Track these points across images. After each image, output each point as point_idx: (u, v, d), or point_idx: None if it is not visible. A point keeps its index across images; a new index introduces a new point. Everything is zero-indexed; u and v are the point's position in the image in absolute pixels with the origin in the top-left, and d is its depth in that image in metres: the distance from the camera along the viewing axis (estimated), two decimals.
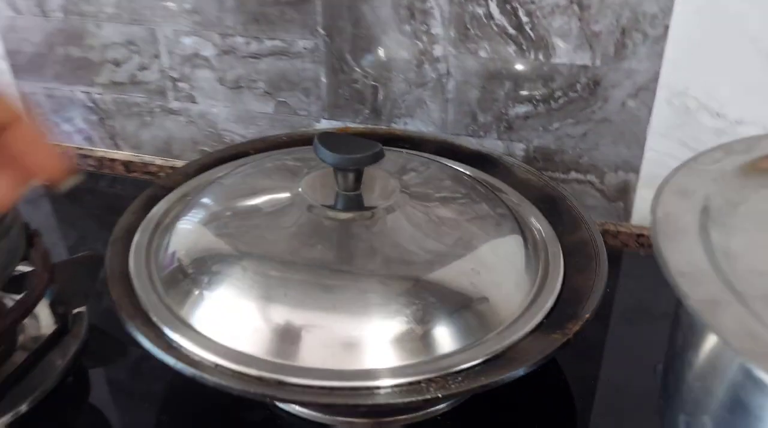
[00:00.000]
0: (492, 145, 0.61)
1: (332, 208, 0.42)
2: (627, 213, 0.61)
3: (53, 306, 0.47)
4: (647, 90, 0.55)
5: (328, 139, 0.42)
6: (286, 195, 0.44)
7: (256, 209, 0.44)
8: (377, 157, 0.40)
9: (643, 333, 0.50)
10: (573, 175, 0.61)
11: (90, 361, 0.48)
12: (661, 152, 0.57)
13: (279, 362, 0.35)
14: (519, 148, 0.61)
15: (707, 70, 0.53)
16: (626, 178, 0.60)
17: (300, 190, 0.44)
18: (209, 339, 0.37)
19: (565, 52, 0.55)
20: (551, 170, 0.61)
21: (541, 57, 0.56)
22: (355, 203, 0.43)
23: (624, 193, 0.60)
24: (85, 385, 0.47)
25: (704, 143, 0.56)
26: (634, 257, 0.61)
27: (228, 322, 0.38)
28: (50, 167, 0.24)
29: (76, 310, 0.48)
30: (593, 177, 0.60)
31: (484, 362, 0.35)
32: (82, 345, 0.47)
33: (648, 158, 0.58)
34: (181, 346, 0.36)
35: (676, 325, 0.30)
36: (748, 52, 0.51)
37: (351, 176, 0.42)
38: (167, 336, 0.37)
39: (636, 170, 0.59)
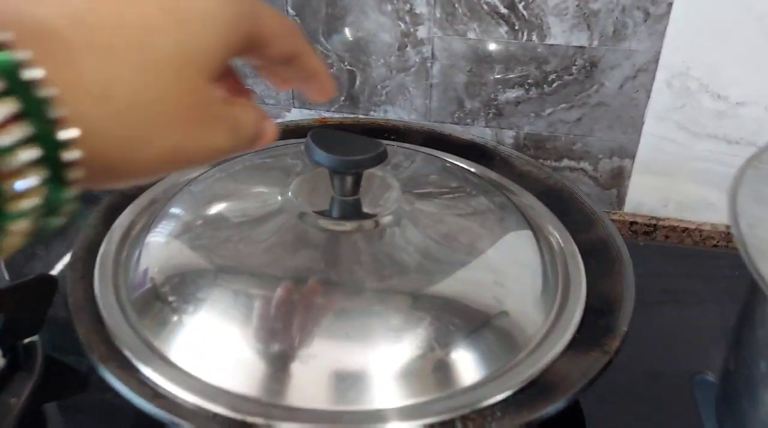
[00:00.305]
0: (479, 132, 0.57)
1: (327, 215, 0.37)
2: (620, 200, 0.59)
3: (1, 338, 0.41)
4: (646, 71, 0.52)
5: (323, 137, 0.37)
6: (272, 201, 0.39)
7: (237, 218, 0.39)
8: (380, 159, 0.35)
9: (641, 323, 0.47)
10: (565, 162, 0.57)
11: (47, 396, 0.42)
12: (658, 136, 0.55)
13: (286, 405, 0.30)
14: (508, 136, 0.57)
15: (710, 50, 0.50)
16: (621, 164, 0.56)
17: (290, 194, 0.38)
18: (197, 380, 0.32)
19: (560, 33, 0.51)
20: (542, 158, 0.57)
21: (534, 38, 0.52)
22: (354, 210, 0.38)
23: (618, 180, 0.57)
24: (43, 424, 0.41)
25: (704, 126, 0.53)
26: (628, 246, 0.58)
27: (214, 356, 0.33)
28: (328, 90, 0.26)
29: (27, 340, 0.42)
30: (586, 164, 0.57)
31: (519, 391, 0.31)
32: (37, 381, 0.41)
33: (644, 143, 0.55)
34: (168, 392, 0.30)
35: (753, 349, 0.27)
36: (753, 30, 0.48)
37: (350, 180, 0.37)
38: (150, 380, 0.31)
39: (631, 156, 0.56)
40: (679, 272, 0.55)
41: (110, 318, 0.35)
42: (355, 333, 0.33)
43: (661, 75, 0.52)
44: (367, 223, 0.37)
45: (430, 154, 0.48)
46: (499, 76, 0.54)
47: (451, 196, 0.42)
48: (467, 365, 0.32)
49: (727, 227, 0.57)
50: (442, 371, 0.32)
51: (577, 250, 0.40)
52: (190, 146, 0.19)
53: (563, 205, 0.44)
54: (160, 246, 0.39)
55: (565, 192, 0.45)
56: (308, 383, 0.31)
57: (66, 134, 0.16)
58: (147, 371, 0.31)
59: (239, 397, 0.31)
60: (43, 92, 0.15)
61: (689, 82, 0.51)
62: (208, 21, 0.19)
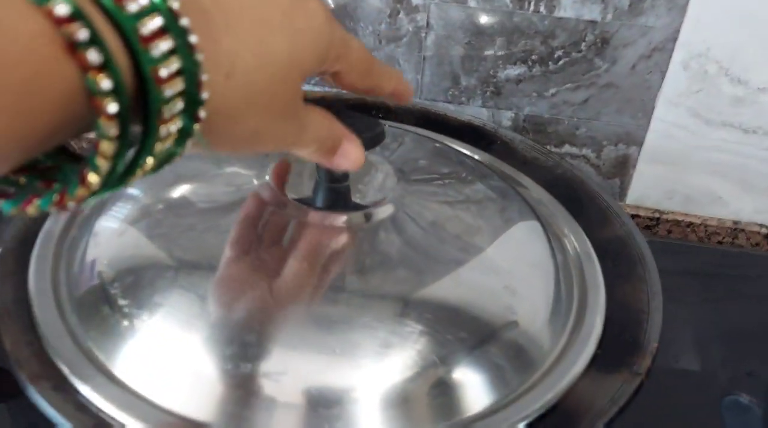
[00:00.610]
0: (475, 112, 0.51)
1: (311, 204, 0.32)
2: (623, 191, 0.54)
3: None
4: (662, 51, 0.47)
5: None
6: (246, 185, 0.33)
7: (205, 203, 0.33)
8: (377, 140, 0.30)
9: None
10: (566, 148, 0.52)
11: None
12: (669, 122, 0.50)
13: None
14: (506, 117, 0.52)
15: (734, 30, 0.45)
16: (627, 151, 0.52)
17: (267, 178, 0.33)
18: (149, 403, 0.26)
19: (571, 4, 0.46)
20: (542, 143, 0.52)
21: (542, 9, 0.46)
22: (343, 199, 0.32)
23: (622, 169, 0.53)
24: None
25: (719, 113, 0.49)
26: None
27: (170, 374, 0.27)
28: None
29: None
30: (589, 151, 0.52)
31: (537, 419, 0.26)
32: None
33: (653, 129, 0.51)
34: (114, 420, 0.25)
35: None
36: None
37: None
38: (92, 404, 0.25)
39: (639, 143, 0.51)
40: (680, 269, 0.52)
41: (46, 325, 0.29)
42: (340, 347, 0.27)
43: (678, 55, 0.47)
44: (357, 216, 0.31)
45: (425, 136, 0.42)
46: (499, 51, 0.49)
47: (451, 184, 0.37)
48: (474, 388, 0.27)
49: (734, 223, 0.54)
50: (445, 395, 0.27)
51: (592, 250, 0.36)
52: (268, 132, 0.22)
53: (574, 197, 0.40)
54: (112, 234, 0.33)
55: (576, 182, 0.40)
56: (282, 409, 0.26)
57: (204, 95, 0.18)
58: (88, 392, 0.26)
59: (200, 426, 0.25)
60: (199, 56, 0.17)
61: (708, 65, 0.47)
62: (315, 35, 0.22)
